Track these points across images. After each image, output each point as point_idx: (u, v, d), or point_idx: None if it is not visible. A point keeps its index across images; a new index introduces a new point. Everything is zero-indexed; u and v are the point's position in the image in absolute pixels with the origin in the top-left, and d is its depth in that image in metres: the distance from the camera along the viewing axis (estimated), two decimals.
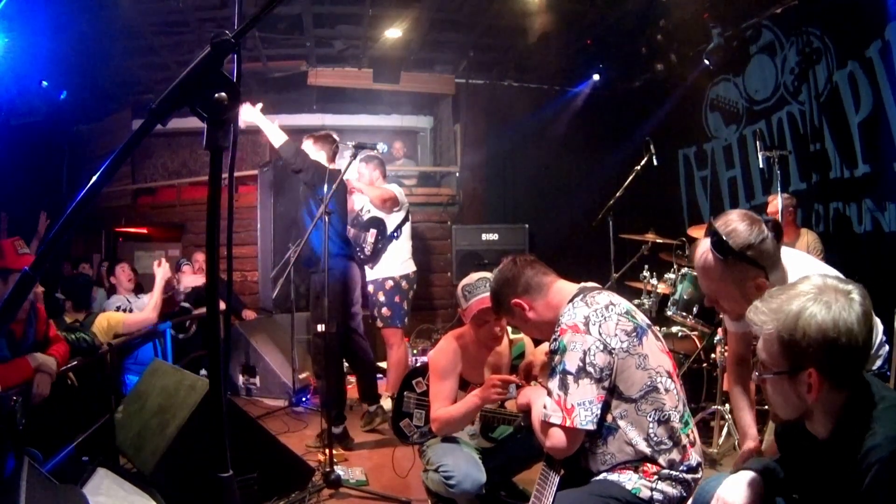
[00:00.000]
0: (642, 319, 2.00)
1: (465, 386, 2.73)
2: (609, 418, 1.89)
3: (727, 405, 3.65)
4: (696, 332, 4.37)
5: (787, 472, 1.61)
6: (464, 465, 2.53)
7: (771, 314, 1.40)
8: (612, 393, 1.88)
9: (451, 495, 2.56)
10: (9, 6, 4.52)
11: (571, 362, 1.85)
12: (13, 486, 1.99)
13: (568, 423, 1.82)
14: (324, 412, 3.87)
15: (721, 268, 1.81)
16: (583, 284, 2.14)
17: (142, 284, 5.69)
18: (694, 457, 1.93)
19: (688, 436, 1.93)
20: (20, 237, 3.21)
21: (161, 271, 4.38)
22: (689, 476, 1.89)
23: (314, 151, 4.18)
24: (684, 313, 4.17)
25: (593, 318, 1.89)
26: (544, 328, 2.10)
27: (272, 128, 4.05)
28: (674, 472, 1.87)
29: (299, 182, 4.26)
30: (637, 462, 1.87)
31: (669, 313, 4.28)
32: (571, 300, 2.02)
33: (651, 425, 1.87)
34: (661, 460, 1.86)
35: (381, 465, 3.64)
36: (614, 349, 1.86)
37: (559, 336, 1.91)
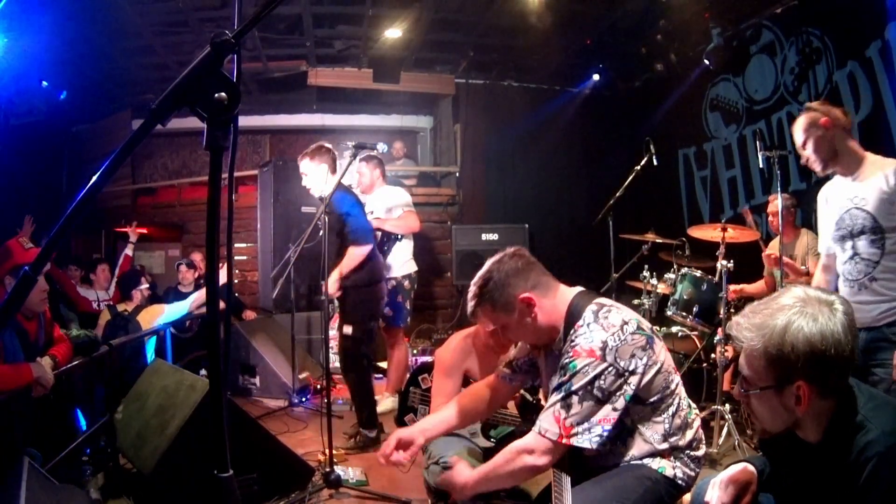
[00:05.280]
0: (647, 326, 1.99)
1: None
2: (628, 422, 1.93)
3: (727, 405, 3.66)
4: (695, 332, 4.38)
5: (774, 472, 1.61)
6: (464, 455, 2.55)
7: (755, 329, 1.39)
8: (632, 401, 1.90)
9: None
10: (9, 6, 4.51)
11: (579, 383, 1.85)
12: (13, 486, 2.00)
13: (564, 441, 1.85)
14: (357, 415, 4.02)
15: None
16: (581, 290, 2.07)
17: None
18: (700, 432, 2.04)
19: (695, 417, 2.04)
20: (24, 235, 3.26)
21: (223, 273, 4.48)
22: (698, 453, 1.99)
23: (315, 167, 3.95)
24: (684, 313, 4.18)
25: (611, 342, 1.87)
26: (543, 333, 2.03)
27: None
28: (689, 452, 1.96)
29: (300, 188, 4.22)
30: (656, 452, 1.94)
31: (669, 313, 4.28)
32: (582, 315, 1.94)
33: (667, 420, 1.94)
34: (681, 443, 1.95)
35: (380, 464, 3.63)
36: (629, 370, 1.86)
37: (572, 357, 1.88)
